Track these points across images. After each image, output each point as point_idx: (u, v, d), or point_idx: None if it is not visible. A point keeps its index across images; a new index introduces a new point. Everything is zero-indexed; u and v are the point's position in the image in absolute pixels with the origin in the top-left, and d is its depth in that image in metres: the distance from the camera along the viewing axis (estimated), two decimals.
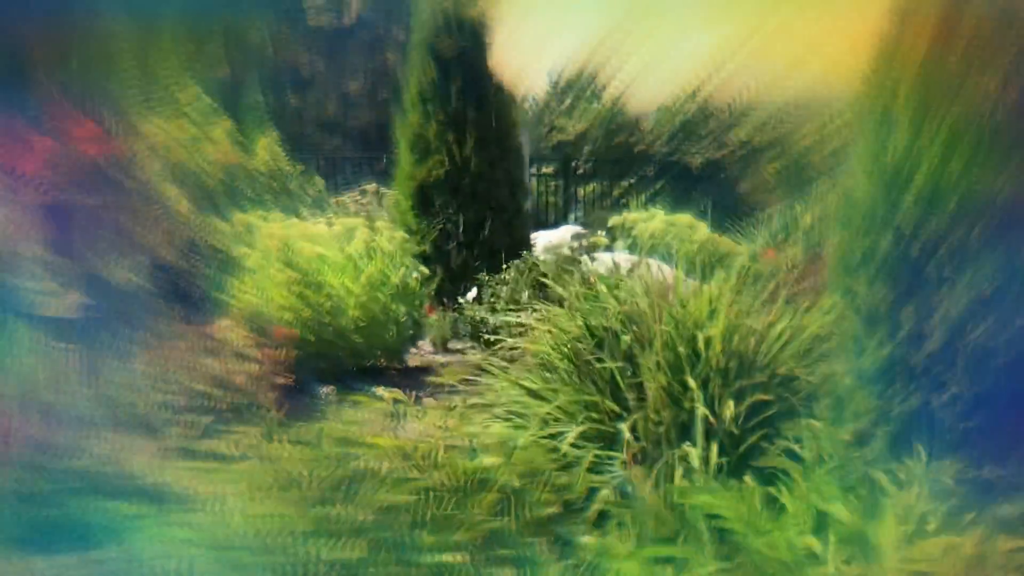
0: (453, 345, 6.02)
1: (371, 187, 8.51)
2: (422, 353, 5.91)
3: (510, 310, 5.35)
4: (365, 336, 5.08)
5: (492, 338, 5.29)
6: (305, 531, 2.35)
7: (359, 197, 8.27)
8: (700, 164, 12.10)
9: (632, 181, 12.11)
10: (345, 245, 5.24)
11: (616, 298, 3.48)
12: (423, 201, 7.01)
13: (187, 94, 4.18)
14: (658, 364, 3.04)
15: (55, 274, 3.77)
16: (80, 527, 2.39)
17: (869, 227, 2.35)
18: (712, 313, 3.26)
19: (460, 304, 6.03)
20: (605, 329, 3.35)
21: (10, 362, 2.97)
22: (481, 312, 5.46)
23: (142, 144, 4.70)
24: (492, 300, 5.57)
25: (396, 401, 3.59)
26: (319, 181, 8.37)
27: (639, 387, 3.10)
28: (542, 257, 6.40)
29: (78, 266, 3.94)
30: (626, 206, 9.23)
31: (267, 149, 7.93)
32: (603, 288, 3.62)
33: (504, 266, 5.91)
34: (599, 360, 3.22)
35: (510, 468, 2.75)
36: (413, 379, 5.54)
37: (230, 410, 4.07)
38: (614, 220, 6.93)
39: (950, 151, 2.15)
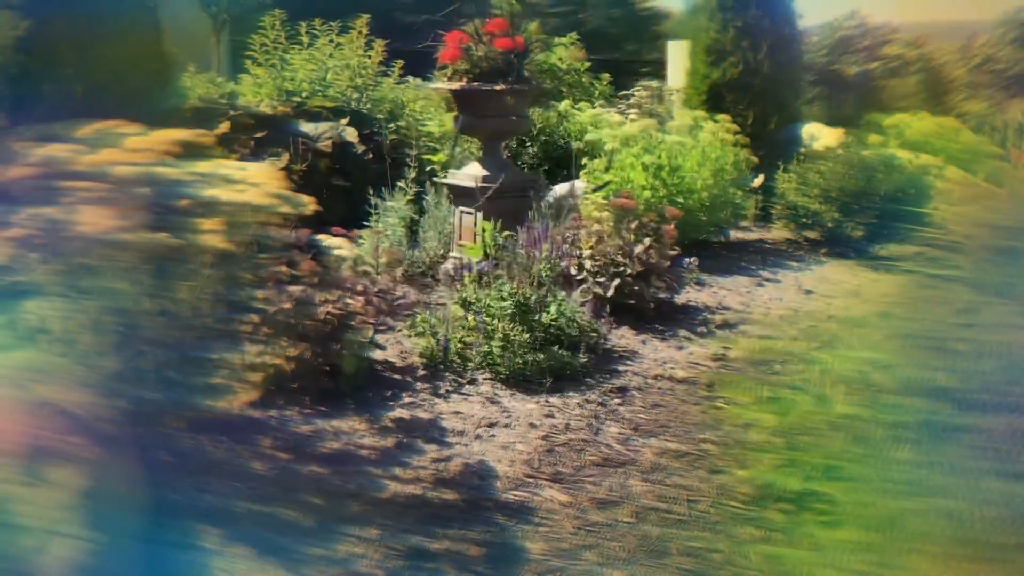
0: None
1: (652, 83, 9.58)
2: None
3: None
4: (708, 213, 6.25)
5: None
6: None
7: (644, 93, 9.36)
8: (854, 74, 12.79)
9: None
10: (688, 136, 6.37)
11: None
12: (715, 98, 8.07)
13: None
14: None
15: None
16: None
17: None
18: None
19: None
20: None
21: None
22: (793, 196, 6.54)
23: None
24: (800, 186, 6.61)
25: None
26: (604, 76, 9.49)
27: None
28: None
29: None
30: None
31: (567, 49, 9.08)
32: None
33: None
34: None
35: None
36: (741, 251, 6.72)
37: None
38: (891, 120, 7.84)
39: None
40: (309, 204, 3.27)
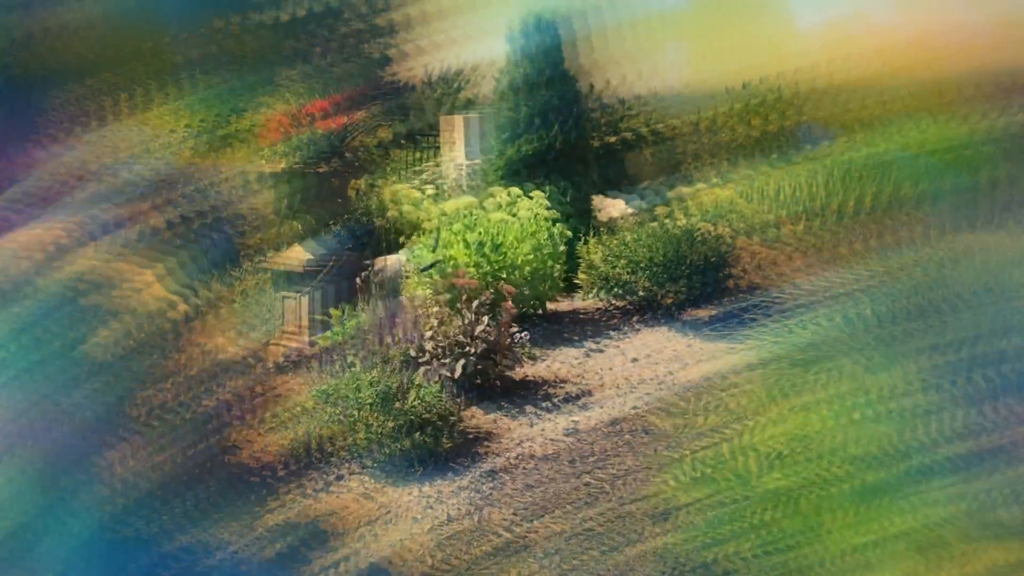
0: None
1: (452, 157, 9.71)
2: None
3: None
4: (530, 287, 6.37)
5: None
6: None
7: (440, 167, 9.45)
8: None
9: None
10: (506, 213, 6.50)
11: None
12: (512, 173, 8.28)
13: None
14: None
15: None
16: None
17: None
18: None
19: None
20: None
21: None
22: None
23: None
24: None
25: None
26: (412, 154, 9.56)
27: None
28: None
29: None
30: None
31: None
32: None
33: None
34: None
35: None
36: (558, 322, 6.89)
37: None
38: (677, 192, 8.38)
39: None
40: None
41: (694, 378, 5.64)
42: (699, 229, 6.80)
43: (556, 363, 5.96)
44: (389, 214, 6.85)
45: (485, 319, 5.31)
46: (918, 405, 3.49)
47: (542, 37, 8.42)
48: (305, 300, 5.52)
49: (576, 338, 6.48)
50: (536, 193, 7.02)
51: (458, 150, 9.96)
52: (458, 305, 5.37)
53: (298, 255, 5.70)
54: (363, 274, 5.63)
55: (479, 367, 5.16)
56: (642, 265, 6.60)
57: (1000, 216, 4.86)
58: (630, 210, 9.64)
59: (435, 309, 5.32)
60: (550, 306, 7.08)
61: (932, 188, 6.86)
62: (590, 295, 7.11)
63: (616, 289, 6.77)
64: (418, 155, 10.56)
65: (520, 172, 8.29)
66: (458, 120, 10.19)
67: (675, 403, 5.26)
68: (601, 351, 6.22)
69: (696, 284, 6.53)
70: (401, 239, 6.49)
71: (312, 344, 5.14)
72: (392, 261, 6.01)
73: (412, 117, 14.79)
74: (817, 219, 9.05)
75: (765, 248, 7.71)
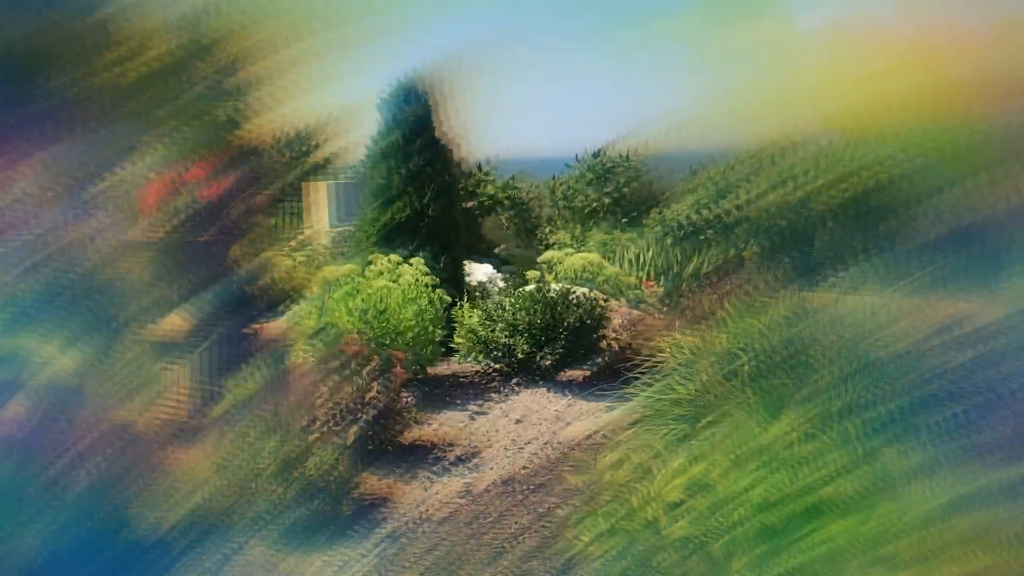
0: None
1: (321, 225, 9.69)
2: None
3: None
4: (413, 352, 6.45)
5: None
6: None
7: (308, 233, 9.42)
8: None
9: None
10: (388, 279, 6.58)
11: None
12: (386, 239, 8.37)
13: None
14: None
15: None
16: None
17: None
18: None
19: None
20: None
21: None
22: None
23: None
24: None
25: None
26: (281, 220, 9.47)
27: None
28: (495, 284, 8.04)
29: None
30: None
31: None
32: None
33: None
34: None
35: None
36: (439, 386, 6.96)
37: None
38: (544, 256, 8.63)
39: None
40: None
41: (579, 436, 5.82)
42: (574, 292, 7.04)
43: (443, 426, 6.02)
44: (266, 281, 6.80)
45: (375, 385, 5.34)
46: (803, 451, 3.75)
47: (412, 105, 8.60)
48: (187, 369, 5.40)
49: (459, 401, 6.57)
50: (415, 260, 7.12)
51: (322, 216, 9.98)
52: (347, 371, 5.38)
53: (177, 324, 5.59)
54: (245, 342, 5.56)
55: (371, 432, 5.18)
56: (520, 328, 6.78)
57: (826, 274, 5.28)
58: (498, 275, 9.85)
59: (324, 376, 5.31)
60: (430, 370, 7.15)
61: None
62: (468, 358, 7.23)
63: (495, 352, 6.91)
64: (286, 221, 10.50)
65: (393, 238, 8.40)
66: (322, 186, 10.23)
67: (564, 460, 5.41)
68: (485, 413, 6.33)
69: (572, 345, 6.75)
70: (281, 307, 6.44)
71: (198, 414, 5.03)
72: (274, 328, 5.96)
73: (278, 183, 14.67)
74: (673, 280, 9.50)
75: (632, 309, 8.05)
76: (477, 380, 7.04)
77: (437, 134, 8.59)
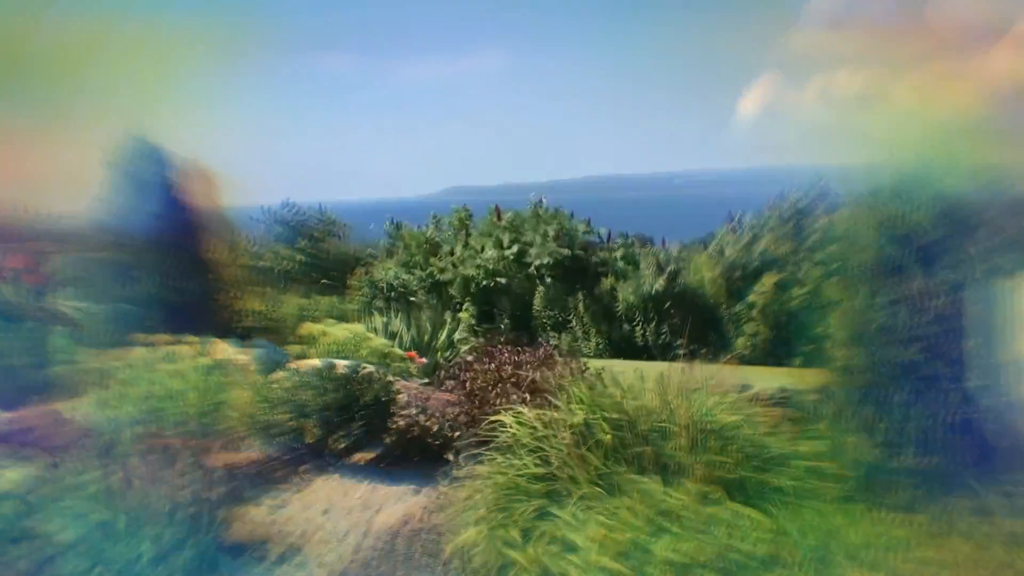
0: None
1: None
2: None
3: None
4: (204, 432, 5.86)
5: None
6: None
7: None
8: None
9: None
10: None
11: None
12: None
13: None
14: None
15: None
16: None
17: None
18: None
19: None
20: None
21: None
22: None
23: None
24: None
25: None
26: None
27: None
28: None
29: None
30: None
31: None
32: None
33: None
34: None
35: None
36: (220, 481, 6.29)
37: None
38: (306, 328, 8.19)
39: None
40: None
41: (394, 523, 5.52)
42: (363, 367, 6.74)
43: (247, 524, 5.47)
44: None
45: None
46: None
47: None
48: None
49: (249, 495, 6.01)
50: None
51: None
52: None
53: None
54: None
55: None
56: (309, 410, 6.35)
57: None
58: (243, 354, 9.27)
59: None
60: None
61: None
62: (241, 446, 6.65)
63: (279, 438, 6.41)
64: None
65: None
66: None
67: (392, 549, 5.12)
68: (283, 506, 5.83)
69: (369, 426, 6.42)
70: None
71: None
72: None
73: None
74: (440, 352, 9.42)
75: (406, 382, 7.84)
76: (263, 469, 6.48)
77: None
